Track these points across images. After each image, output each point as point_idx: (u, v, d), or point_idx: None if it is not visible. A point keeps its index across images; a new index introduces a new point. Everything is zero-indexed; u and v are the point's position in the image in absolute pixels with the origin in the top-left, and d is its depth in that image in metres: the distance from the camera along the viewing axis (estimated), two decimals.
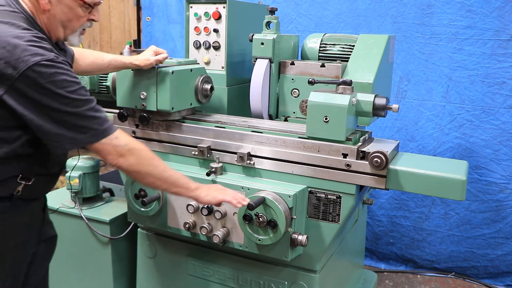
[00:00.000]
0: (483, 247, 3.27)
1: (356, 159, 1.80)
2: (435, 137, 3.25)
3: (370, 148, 1.83)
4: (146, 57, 1.97)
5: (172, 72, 2.00)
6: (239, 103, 2.47)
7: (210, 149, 2.04)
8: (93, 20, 1.64)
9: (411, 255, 3.49)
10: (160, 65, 2.05)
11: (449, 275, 3.40)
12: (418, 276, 3.45)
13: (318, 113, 1.81)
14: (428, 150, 3.28)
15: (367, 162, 1.77)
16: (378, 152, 1.75)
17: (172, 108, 2.05)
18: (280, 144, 1.93)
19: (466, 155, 3.17)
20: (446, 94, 3.18)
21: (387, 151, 1.75)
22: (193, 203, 1.97)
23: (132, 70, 2.05)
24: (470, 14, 3.03)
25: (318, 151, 1.86)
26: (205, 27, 2.39)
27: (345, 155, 1.81)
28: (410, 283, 3.35)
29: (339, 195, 1.85)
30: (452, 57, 3.13)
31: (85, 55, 1.99)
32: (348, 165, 1.80)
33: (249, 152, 1.96)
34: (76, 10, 1.57)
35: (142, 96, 2.05)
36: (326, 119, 1.80)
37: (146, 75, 2.03)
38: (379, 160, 1.74)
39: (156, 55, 1.99)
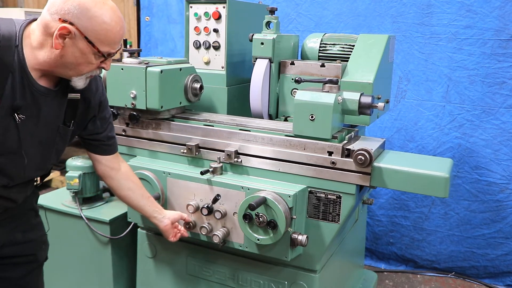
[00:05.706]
0: (483, 247, 3.27)
1: (341, 157, 1.82)
2: (435, 137, 3.25)
3: (355, 146, 1.85)
4: (168, 226, 1.94)
5: (161, 71, 2.02)
6: (239, 103, 2.47)
7: (198, 147, 2.06)
8: (103, 68, 1.51)
9: (411, 255, 3.49)
10: (150, 64, 2.08)
11: (449, 275, 3.40)
12: (418, 276, 3.45)
13: (304, 111, 1.83)
14: (428, 150, 3.27)
15: (352, 160, 1.79)
16: (362, 150, 1.77)
17: (161, 107, 2.07)
18: (267, 142, 1.95)
19: (466, 155, 3.17)
20: (446, 94, 3.18)
21: (372, 149, 1.77)
22: (193, 203, 1.97)
23: (121, 69, 2.08)
24: (470, 14, 3.02)
25: (304, 149, 1.88)
26: (205, 27, 2.39)
27: (330, 153, 1.84)
28: (410, 283, 3.35)
29: (339, 195, 1.85)
30: (452, 57, 3.12)
31: (127, 177, 1.90)
32: (333, 162, 1.82)
33: (237, 150, 1.98)
34: (88, 57, 1.43)
35: (131, 95, 2.07)
36: (312, 117, 1.82)
37: (136, 74, 2.05)
38: (363, 158, 1.76)
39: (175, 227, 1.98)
